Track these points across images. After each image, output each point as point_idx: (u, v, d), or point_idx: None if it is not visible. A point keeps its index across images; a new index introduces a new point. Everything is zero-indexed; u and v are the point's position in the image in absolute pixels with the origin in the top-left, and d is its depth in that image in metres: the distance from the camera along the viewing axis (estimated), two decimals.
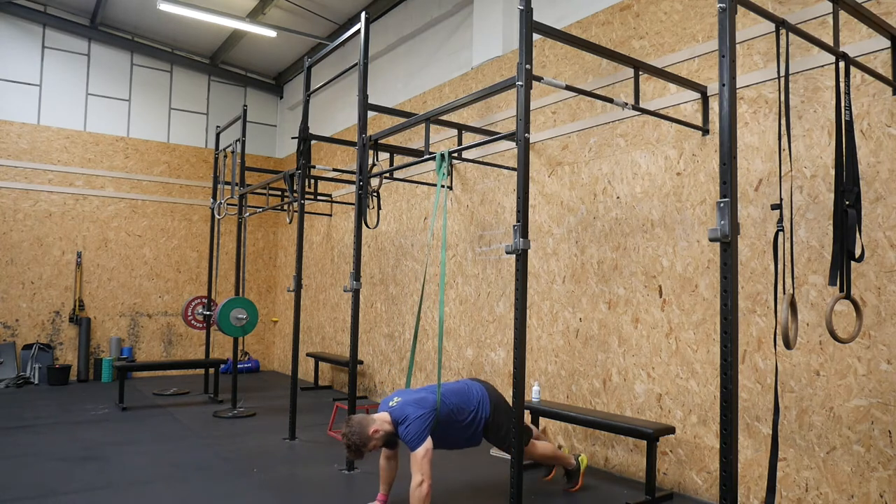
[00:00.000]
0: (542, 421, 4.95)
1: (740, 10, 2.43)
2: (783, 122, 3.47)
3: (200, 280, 9.60)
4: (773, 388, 3.28)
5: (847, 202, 2.76)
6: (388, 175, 5.93)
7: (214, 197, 7.81)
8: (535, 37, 5.15)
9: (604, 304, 4.67)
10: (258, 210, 7.73)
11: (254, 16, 7.96)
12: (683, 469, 4.07)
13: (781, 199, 2.60)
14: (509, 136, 3.43)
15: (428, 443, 3.38)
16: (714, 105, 4.06)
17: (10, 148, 8.38)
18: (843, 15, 3.21)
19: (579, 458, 4.17)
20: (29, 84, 8.57)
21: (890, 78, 3.20)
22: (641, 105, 3.98)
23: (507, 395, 5.39)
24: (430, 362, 6.45)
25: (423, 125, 4.52)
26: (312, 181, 7.45)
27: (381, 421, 3.46)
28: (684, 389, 4.08)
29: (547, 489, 4.16)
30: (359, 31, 4.67)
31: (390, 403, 3.53)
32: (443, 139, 6.38)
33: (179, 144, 9.64)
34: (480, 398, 3.72)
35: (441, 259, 3.90)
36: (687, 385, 4.07)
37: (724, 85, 2.29)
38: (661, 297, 4.28)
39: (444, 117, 5.27)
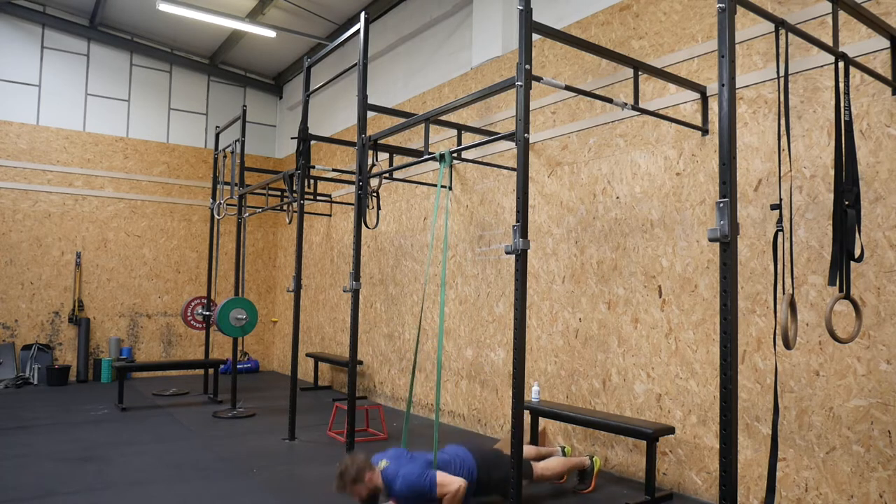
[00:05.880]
0: (542, 421, 4.94)
1: (740, 10, 2.43)
2: (783, 122, 3.47)
3: (200, 280, 9.60)
4: (773, 388, 3.29)
5: (846, 202, 2.76)
6: (387, 175, 5.93)
7: (214, 197, 7.81)
8: (535, 37, 5.14)
9: (603, 305, 4.67)
10: (258, 210, 7.73)
11: (253, 16, 7.96)
12: (683, 469, 4.07)
13: (781, 200, 2.60)
14: (509, 137, 3.43)
15: (433, 478, 3.36)
16: (713, 105, 4.06)
17: (10, 148, 8.38)
18: (842, 15, 3.21)
19: (593, 459, 4.15)
20: (28, 84, 8.57)
21: (889, 78, 3.21)
22: (641, 105, 3.98)
23: (507, 395, 5.41)
24: (429, 362, 6.45)
25: (423, 125, 4.52)
26: (312, 181, 7.45)
27: (376, 476, 3.42)
28: (684, 389, 4.08)
29: (547, 489, 4.16)
30: (358, 31, 4.67)
31: (380, 464, 3.48)
32: (442, 139, 6.38)
33: (179, 145, 9.64)
34: (465, 462, 3.65)
35: (442, 266, 3.91)
36: (686, 385, 4.07)
37: (723, 85, 2.30)
38: (660, 297, 4.28)
39: (444, 117, 5.27)
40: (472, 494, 3.60)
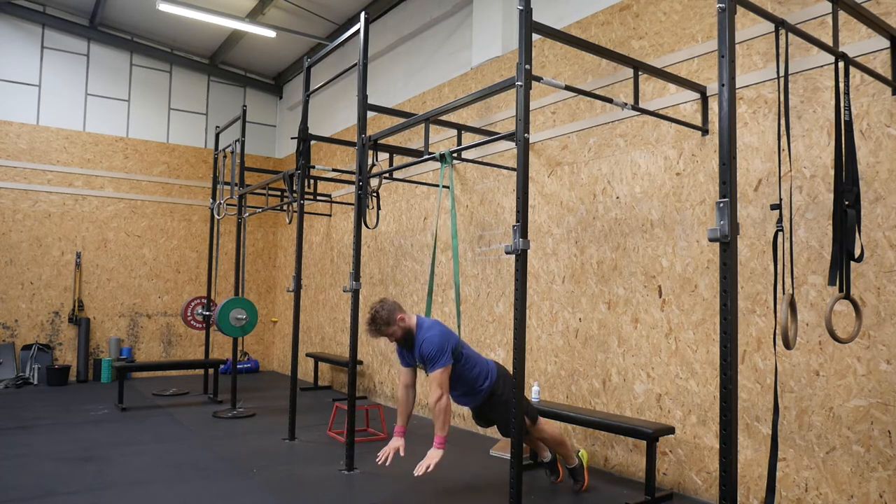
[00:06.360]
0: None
1: (740, 10, 2.43)
2: (782, 122, 3.47)
3: (200, 280, 9.60)
4: (773, 388, 3.29)
5: (846, 202, 2.76)
6: (387, 175, 5.93)
7: (214, 197, 7.81)
8: (535, 37, 5.14)
9: (603, 305, 4.67)
10: (258, 210, 7.73)
11: (253, 16, 7.96)
12: (683, 469, 4.07)
13: (781, 200, 2.60)
14: (509, 137, 3.43)
15: (447, 363, 3.57)
16: (713, 105, 4.06)
17: (10, 148, 8.38)
18: (842, 15, 3.21)
19: (579, 454, 4.17)
20: (28, 84, 8.57)
21: (889, 78, 3.21)
22: (641, 105, 3.97)
23: None
24: None
25: (423, 125, 4.52)
26: (312, 181, 7.44)
27: (409, 316, 3.75)
28: (684, 389, 4.08)
29: (547, 489, 4.16)
30: (358, 31, 4.67)
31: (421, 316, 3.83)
32: (442, 139, 6.38)
33: (179, 145, 9.64)
34: (488, 364, 3.92)
35: (454, 264, 4.06)
36: (686, 385, 4.07)
37: (723, 85, 2.30)
38: (660, 297, 4.28)
39: (444, 117, 5.26)
40: (479, 404, 3.87)
